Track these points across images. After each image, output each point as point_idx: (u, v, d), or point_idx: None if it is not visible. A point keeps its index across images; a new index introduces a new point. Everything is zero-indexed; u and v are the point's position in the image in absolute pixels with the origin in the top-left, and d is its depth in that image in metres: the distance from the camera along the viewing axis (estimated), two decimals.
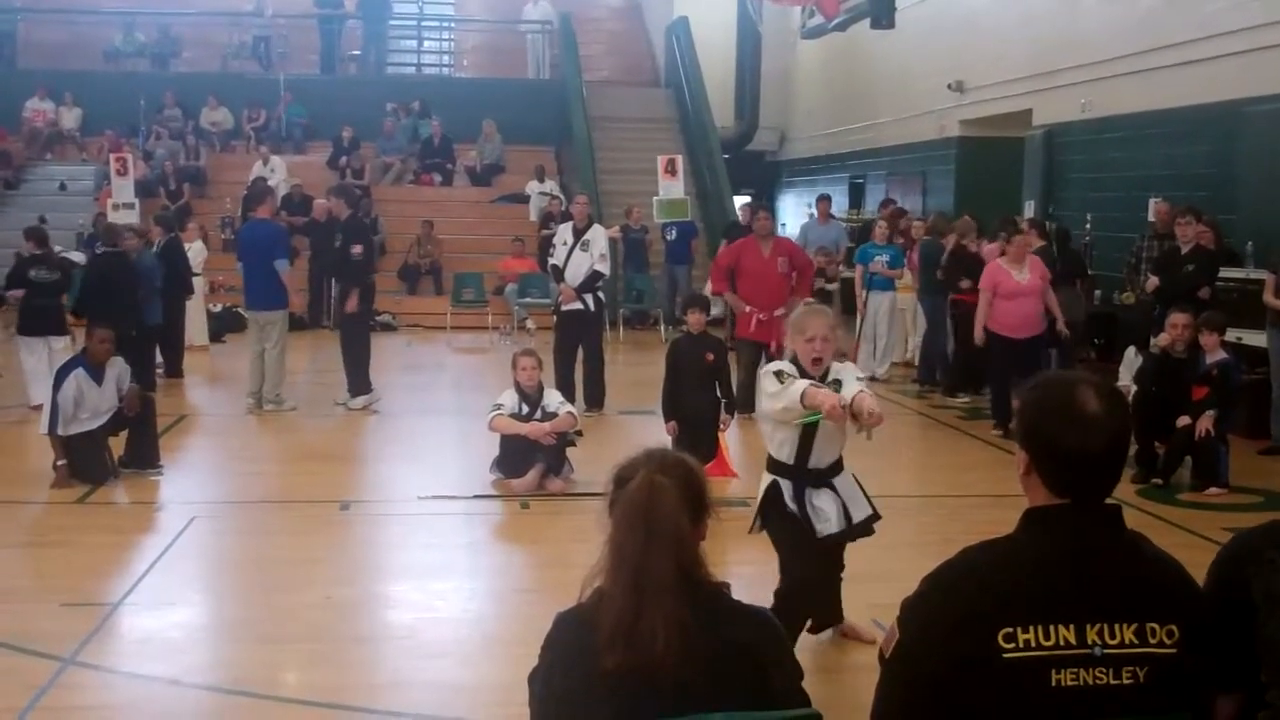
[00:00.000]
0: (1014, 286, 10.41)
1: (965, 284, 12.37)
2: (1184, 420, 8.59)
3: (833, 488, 5.18)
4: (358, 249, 11.47)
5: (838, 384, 5.03)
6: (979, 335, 10.66)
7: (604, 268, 11.47)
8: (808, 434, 5.04)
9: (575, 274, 11.16)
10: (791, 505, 5.11)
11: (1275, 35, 11.40)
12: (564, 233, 11.54)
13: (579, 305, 11.18)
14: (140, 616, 5.88)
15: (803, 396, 4.77)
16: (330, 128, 21.59)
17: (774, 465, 5.19)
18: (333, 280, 11.89)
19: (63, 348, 10.51)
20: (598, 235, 11.47)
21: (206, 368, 14.21)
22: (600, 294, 11.61)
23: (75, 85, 21.97)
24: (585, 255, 11.18)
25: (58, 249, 12.56)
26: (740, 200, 21.55)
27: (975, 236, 12.89)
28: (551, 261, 11.58)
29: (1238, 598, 2.36)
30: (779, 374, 5.01)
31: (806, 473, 5.11)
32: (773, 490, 5.17)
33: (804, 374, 5.01)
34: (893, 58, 20.04)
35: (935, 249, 13.14)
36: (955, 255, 12.64)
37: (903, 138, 20.25)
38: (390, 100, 22.44)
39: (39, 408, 9.02)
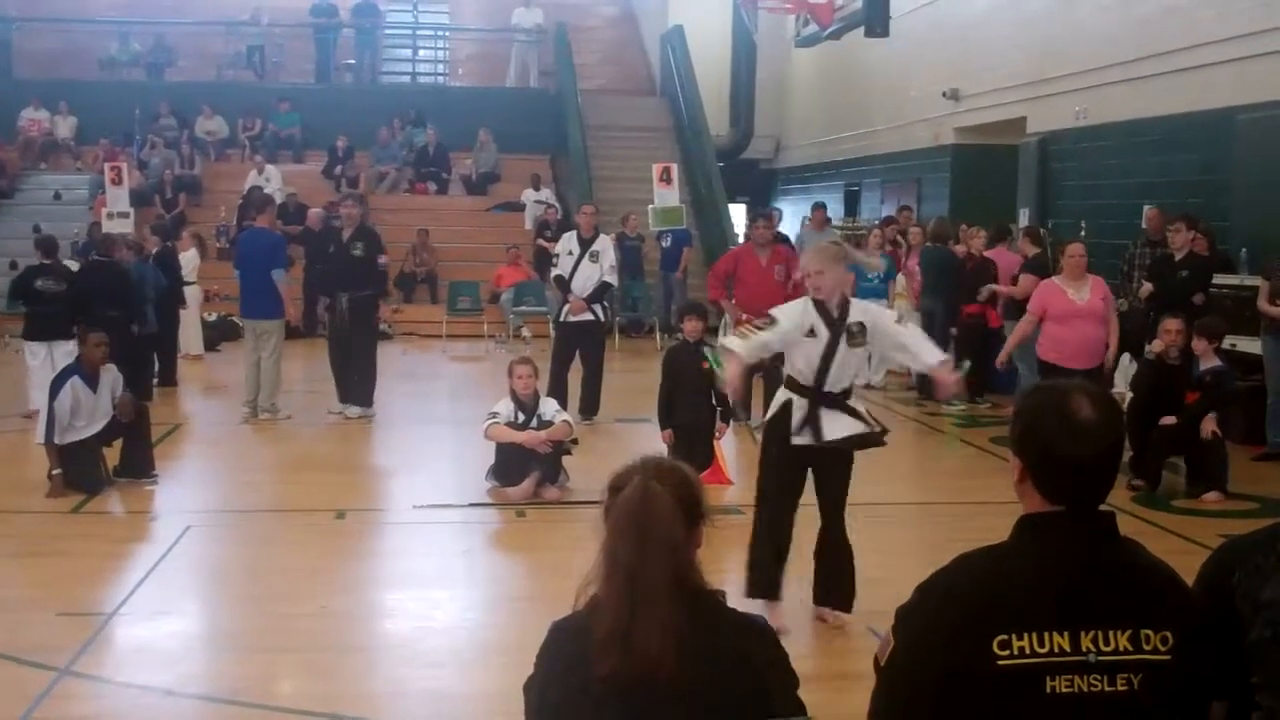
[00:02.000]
0: (1068, 307, 9.19)
1: (984, 294, 12.32)
2: (1168, 419, 8.61)
3: (845, 410, 5.75)
4: (384, 259, 11.42)
5: (861, 326, 5.68)
6: (1003, 360, 9.71)
7: (613, 278, 11.46)
8: (826, 357, 5.67)
9: (583, 285, 11.10)
10: (796, 430, 5.70)
11: (1267, 43, 11.43)
12: (568, 243, 11.46)
13: (588, 316, 11.16)
14: (135, 626, 5.87)
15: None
16: (325, 137, 21.59)
17: (791, 383, 5.79)
18: (336, 288, 11.43)
19: (67, 352, 10.49)
20: (607, 246, 11.44)
21: (202, 377, 14.22)
22: (606, 303, 11.60)
23: (70, 94, 21.97)
24: (594, 266, 11.14)
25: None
26: (735, 208, 21.60)
27: (954, 241, 13.06)
28: (556, 272, 11.51)
29: (1224, 603, 2.37)
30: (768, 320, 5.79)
31: (822, 395, 5.70)
32: (782, 412, 5.77)
33: (827, 317, 5.69)
34: (887, 66, 20.06)
35: (938, 256, 13.14)
36: (976, 265, 12.62)
37: (897, 145, 20.28)
38: (386, 109, 22.45)
39: (35, 414, 9.01)
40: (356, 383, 11.40)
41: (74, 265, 12.51)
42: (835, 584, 5.98)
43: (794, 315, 5.76)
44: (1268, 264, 10.09)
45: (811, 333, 5.71)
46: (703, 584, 2.50)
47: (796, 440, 5.74)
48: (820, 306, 5.70)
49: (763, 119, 25.78)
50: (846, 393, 5.79)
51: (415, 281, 19.12)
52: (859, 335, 5.69)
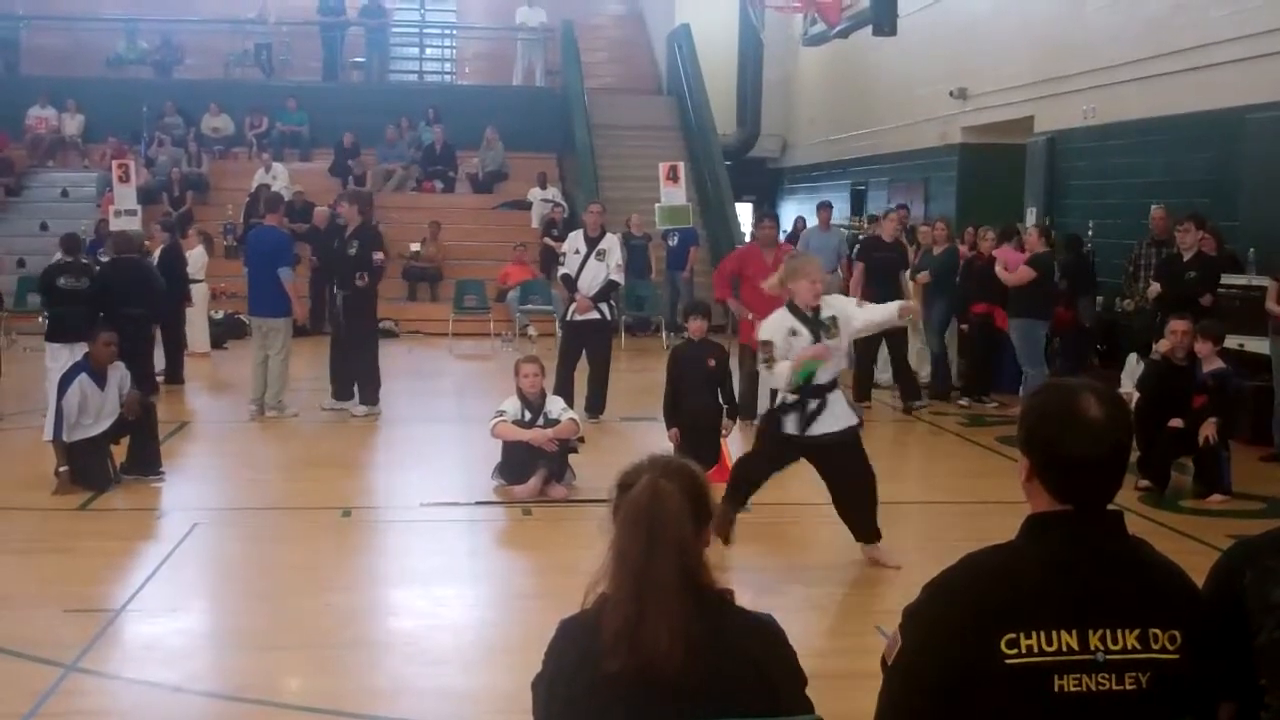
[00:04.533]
0: None
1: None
2: (1176, 422, 8.60)
3: (826, 401, 6.59)
4: (380, 256, 11.45)
5: (833, 319, 6.55)
6: None
7: (619, 277, 11.46)
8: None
9: (590, 284, 11.10)
10: (789, 423, 6.57)
11: (1277, 43, 11.39)
12: (575, 241, 11.46)
13: (594, 314, 11.15)
14: (142, 623, 5.88)
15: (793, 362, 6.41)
16: (332, 135, 21.61)
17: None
18: (336, 287, 11.56)
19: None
20: (613, 245, 11.43)
21: (208, 374, 14.23)
22: (612, 302, 11.60)
23: (78, 92, 21.98)
24: (600, 265, 11.14)
25: (56, 256, 12.58)
26: (742, 207, 21.56)
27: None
28: (563, 271, 11.51)
29: (1233, 604, 2.36)
30: (767, 347, 6.58)
31: (812, 390, 6.53)
32: (780, 409, 6.63)
33: (803, 318, 6.55)
34: (895, 65, 20.04)
35: (954, 257, 13.03)
36: (984, 264, 12.50)
37: (905, 145, 20.25)
38: (393, 107, 22.47)
39: None
40: (359, 382, 11.41)
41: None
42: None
43: (776, 327, 6.61)
44: (1276, 264, 10.06)
45: (793, 333, 6.54)
46: (711, 582, 2.50)
47: (788, 430, 6.59)
48: (796, 309, 6.57)
49: (769, 118, 25.78)
50: (834, 384, 6.63)
51: (421, 274, 19.06)
52: (832, 328, 6.54)
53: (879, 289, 11.77)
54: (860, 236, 13.91)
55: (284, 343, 11.24)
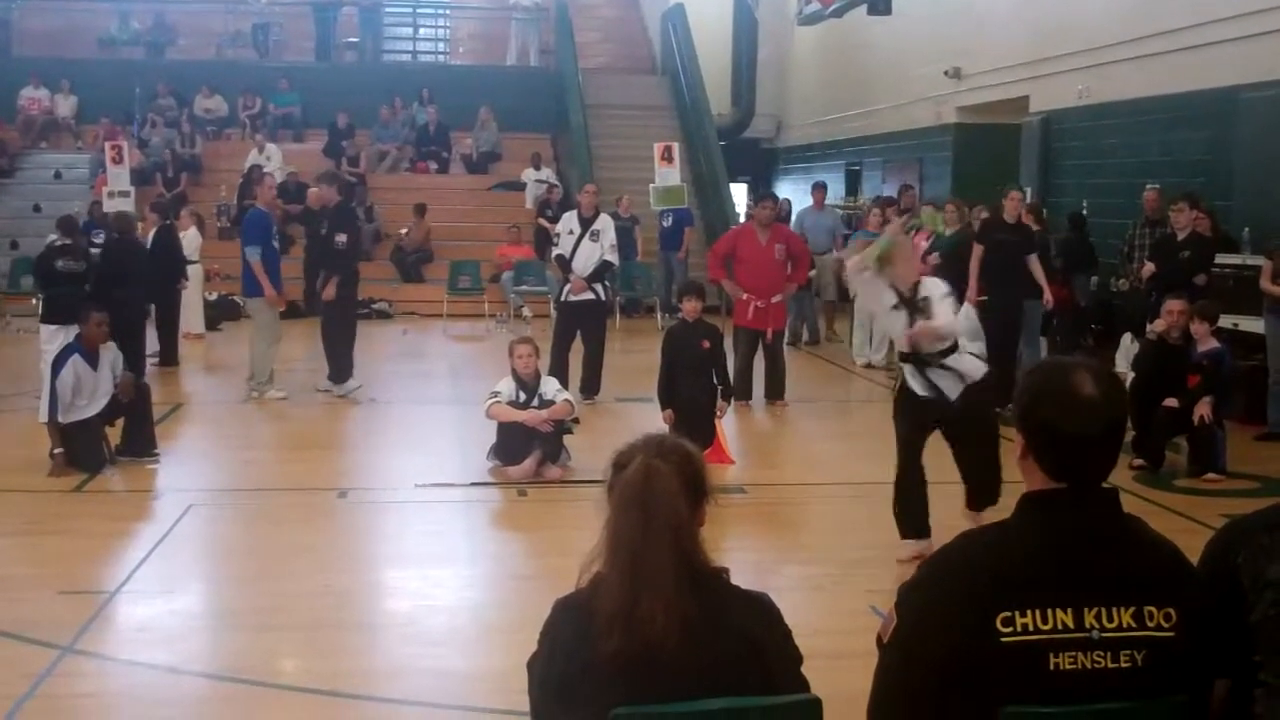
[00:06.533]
0: None
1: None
2: (1171, 401, 8.62)
3: (946, 368, 6.34)
4: (342, 238, 11.43)
5: (927, 299, 6.26)
6: None
7: (614, 257, 11.44)
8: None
9: (584, 264, 11.07)
10: (916, 386, 6.36)
11: (1272, 21, 11.37)
12: (569, 222, 11.43)
13: (589, 295, 11.14)
14: (138, 604, 5.89)
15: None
16: (326, 115, 21.54)
17: (901, 356, 6.61)
18: (318, 268, 11.66)
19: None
20: (608, 225, 11.42)
21: (203, 356, 14.22)
22: (607, 282, 11.60)
23: (70, 73, 21.89)
24: (595, 245, 11.12)
25: (51, 237, 12.55)
26: (736, 187, 21.54)
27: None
28: (557, 251, 11.51)
29: (1228, 581, 2.37)
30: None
31: (919, 359, 6.37)
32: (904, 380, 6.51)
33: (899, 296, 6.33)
34: (889, 44, 20.00)
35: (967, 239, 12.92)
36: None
37: (899, 125, 20.22)
38: (387, 87, 22.41)
39: None
40: (330, 361, 11.44)
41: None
42: None
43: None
44: (1271, 243, 10.07)
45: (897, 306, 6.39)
46: (706, 562, 2.50)
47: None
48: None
49: (764, 98, 25.72)
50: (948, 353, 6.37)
51: (408, 256, 19.01)
52: (927, 309, 6.26)
53: (1001, 275, 10.85)
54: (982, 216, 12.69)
55: (260, 322, 11.19)
